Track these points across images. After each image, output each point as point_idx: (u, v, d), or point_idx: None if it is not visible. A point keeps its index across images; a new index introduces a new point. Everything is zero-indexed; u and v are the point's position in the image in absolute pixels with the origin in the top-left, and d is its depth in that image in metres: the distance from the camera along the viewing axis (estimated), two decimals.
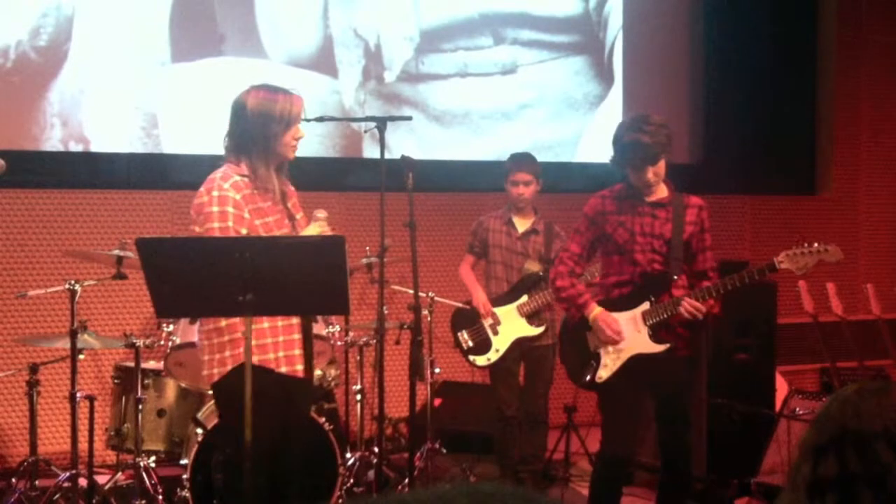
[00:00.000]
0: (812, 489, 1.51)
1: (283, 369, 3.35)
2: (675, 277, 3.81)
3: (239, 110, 3.36)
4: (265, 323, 3.30)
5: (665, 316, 3.79)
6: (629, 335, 3.82)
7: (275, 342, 3.33)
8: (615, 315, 3.83)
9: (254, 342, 3.25)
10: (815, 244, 3.79)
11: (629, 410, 3.88)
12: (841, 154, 7.37)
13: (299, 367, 3.38)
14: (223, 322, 3.28)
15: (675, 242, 3.80)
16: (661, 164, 3.77)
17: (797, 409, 4.64)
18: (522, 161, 4.95)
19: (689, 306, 3.72)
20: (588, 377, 3.85)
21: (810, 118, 7.36)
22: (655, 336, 3.82)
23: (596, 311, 3.83)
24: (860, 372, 5.74)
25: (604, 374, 3.83)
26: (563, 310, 4.11)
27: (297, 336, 3.38)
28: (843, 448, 1.51)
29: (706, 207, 3.92)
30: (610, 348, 3.83)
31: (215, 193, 3.27)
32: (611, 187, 3.91)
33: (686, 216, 3.83)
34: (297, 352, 3.38)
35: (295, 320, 3.38)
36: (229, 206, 3.26)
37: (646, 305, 3.82)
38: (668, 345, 3.81)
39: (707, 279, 3.86)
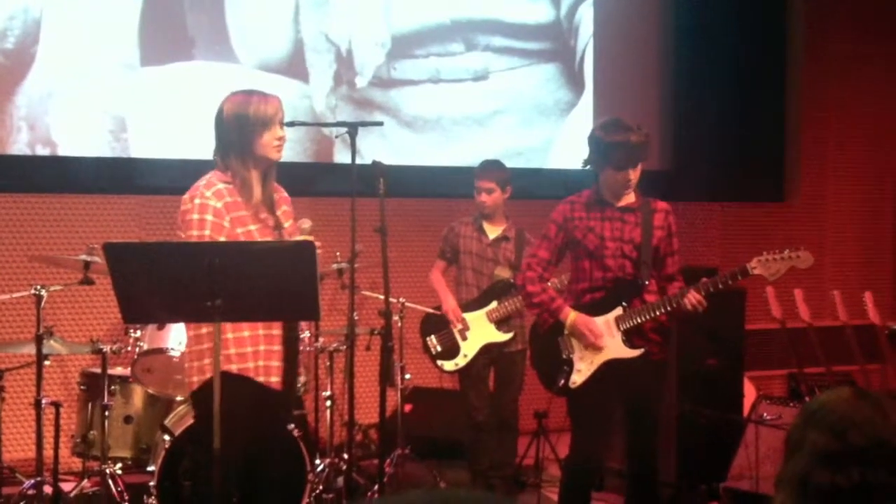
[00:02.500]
0: (826, 498, 1.47)
1: (261, 379, 3.30)
2: (647, 282, 3.82)
3: (218, 116, 3.36)
4: (245, 331, 3.25)
5: (639, 321, 3.80)
6: (604, 340, 3.82)
7: (255, 351, 3.29)
8: (591, 318, 3.83)
9: (234, 350, 3.24)
10: (787, 250, 3.84)
11: (600, 416, 3.89)
12: (809, 162, 7.44)
13: (274, 379, 3.31)
14: (204, 329, 3.24)
15: (645, 247, 3.82)
16: (639, 168, 3.79)
17: (765, 414, 4.68)
18: (485, 168, 4.95)
19: (693, 299, 3.73)
20: (561, 383, 3.85)
21: (779, 126, 7.43)
22: (629, 341, 3.83)
23: (573, 315, 3.83)
24: (827, 377, 5.79)
25: (578, 379, 3.83)
26: (535, 315, 4.09)
27: (276, 347, 3.31)
28: (870, 458, 1.47)
29: (672, 212, 3.95)
30: (584, 354, 3.83)
31: (197, 201, 3.26)
32: (578, 193, 3.92)
33: (654, 220, 3.86)
34: (276, 363, 3.31)
35: (276, 330, 3.31)
36: (208, 215, 3.25)
37: (619, 310, 3.83)
38: (642, 350, 3.83)
39: (676, 282, 3.89)
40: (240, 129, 3.30)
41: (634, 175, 3.78)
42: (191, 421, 4.12)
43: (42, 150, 5.43)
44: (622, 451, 4.14)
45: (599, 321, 3.83)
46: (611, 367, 3.82)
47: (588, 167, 3.89)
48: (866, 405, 1.53)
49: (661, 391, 3.97)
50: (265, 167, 3.37)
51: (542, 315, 3.94)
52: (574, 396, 3.89)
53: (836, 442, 1.50)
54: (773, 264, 3.82)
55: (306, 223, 3.39)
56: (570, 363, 3.85)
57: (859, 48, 7.47)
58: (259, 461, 3.41)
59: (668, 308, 3.79)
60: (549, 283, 4.03)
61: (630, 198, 3.86)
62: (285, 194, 3.53)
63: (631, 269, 3.82)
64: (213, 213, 3.26)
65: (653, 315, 3.79)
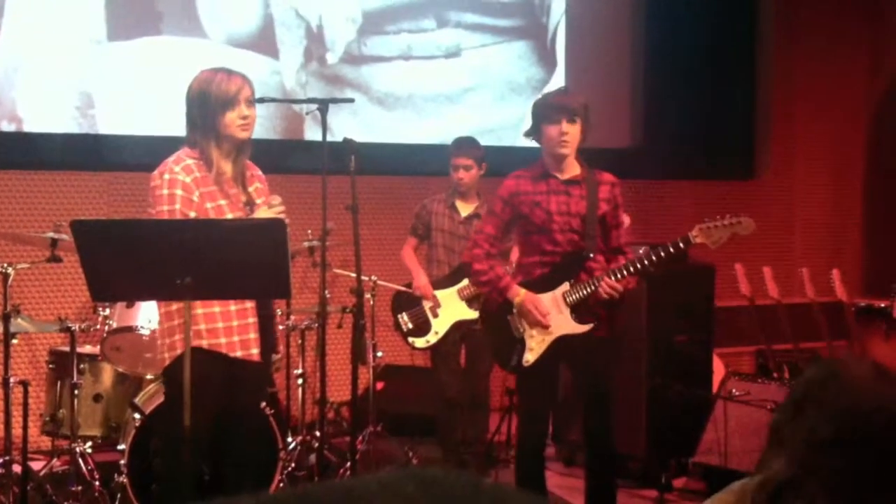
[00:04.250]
0: (846, 480, 1.48)
1: (239, 353, 3.31)
2: (592, 255, 3.80)
3: (186, 94, 3.37)
4: (216, 307, 3.27)
5: (584, 294, 3.77)
6: (553, 317, 3.79)
7: (227, 326, 3.30)
8: (538, 297, 3.82)
9: (204, 326, 3.26)
10: (728, 216, 3.77)
11: (547, 388, 3.91)
12: (778, 140, 7.49)
13: (255, 351, 3.35)
14: (174, 306, 3.25)
15: (590, 219, 3.79)
16: (577, 129, 3.75)
17: (734, 390, 4.73)
18: (463, 145, 4.95)
19: (607, 286, 3.71)
20: (514, 361, 3.83)
21: (749, 104, 7.47)
22: (578, 317, 3.80)
23: (521, 294, 3.80)
24: (795, 354, 5.86)
25: (530, 357, 3.81)
26: (484, 293, 4.06)
27: (252, 320, 3.35)
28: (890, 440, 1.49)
29: (618, 184, 3.92)
30: (535, 331, 3.82)
31: (166, 176, 3.28)
32: (526, 167, 3.90)
33: (599, 193, 3.83)
34: (254, 335, 3.35)
35: (249, 304, 3.34)
36: (178, 189, 3.26)
37: (565, 286, 3.80)
38: (592, 325, 3.80)
39: (622, 254, 3.86)
40: (202, 106, 3.32)
41: (571, 130, 3.72)
42: (161, 399, 4.11)
43: (7, 126, 5.35)
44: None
45: (547, 297, 3.80)
46: (561, 343, 3.81)
47: (530, 137, 3.87)
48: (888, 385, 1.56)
49: (611, 367, 3.93)
50: (235, 145, 3.37)
51: (491, 294, 3.90)
52: (524, 373, 3.86)
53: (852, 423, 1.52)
54: (715, 231, 3.76)
55: (276, 199, 3.38)
56: (522, 341, 3.82)
57: (829, 24, 7.51)
58: (232, 437, 3.41)
59: (587, 292, 3.75)
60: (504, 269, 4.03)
61: (575, 169, 3.83)
62: (259, 172, 3.53)
63: (578, 243, 3.80)
64: (183, 188, 3.27)
65: (590, 291, 3.76)
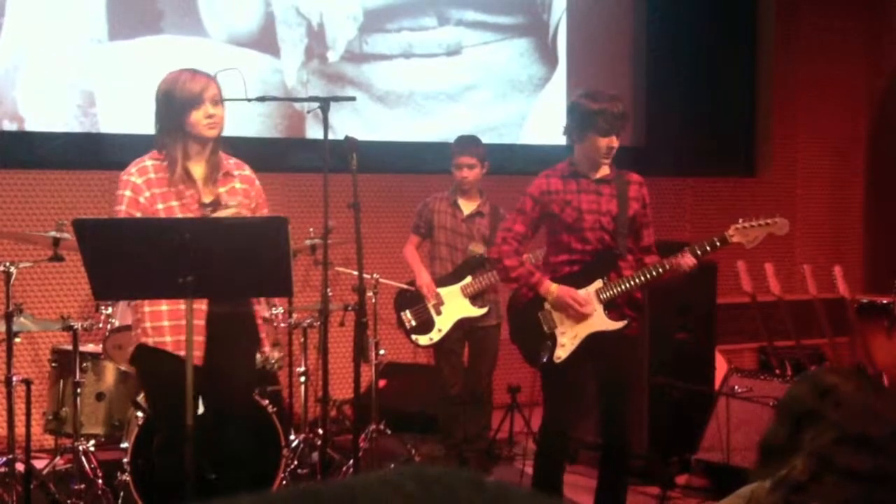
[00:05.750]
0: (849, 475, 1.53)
1: (182, 353, 3.23)
2: (624, 254, 3.83)
3: (154, 96, 3.41)
4: (163, 305, 3.32)
5: (618, 291, 3.79)
6: (590, 308, 3.82)
7: (173, 325, 3.31)
8: (573, 289, 3.82)
9: (149, 324, 3.34)
10: (763, 217, 3.89)
11: (575, 388, 3.91)
12: (779, 137, 7.49)
13: (197, 353, 3.22)
14: (136, 301, 3.36)
15: (622, 219, 3.82)
16: (617, 140, 3.79)
17: (736, 387, 4.73)
18: (466, 144, 4.95)
19: (689, 261, 3.76)
20: (545, 358, 3.80)
21: (750, 101, 7.47)
22: (611, 314, 3.83)
23: (555, 287, 3.80)
24: (797, 351, 5.86)
25: (562, 353, 3.81)
26: (513, 289, 4.05)
27: (199, 322, 3.27)
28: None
29: (645, 183, 3.96)
30: (566, 328, 3.81)
31: (123, 178, 3.39)
32: (553, 167, 3.92)
33: (630, 192, 3.86)
34: (198, 338, 3.27)
35: (200, 305, 3.27)
36: (127, 191, 3.36)
37: (599, 283, 3.82)
38: (625, 321, 3.83)
39: (652, 254, 3.90)
40: (167, 106, 3.35)
41: (612, 145, 3.77)
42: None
43: (9, 126, 5.36)
44: (596, 424, 4.17)
45: (582, 293, 3.82)
46: (592, 339, 3.82)
47: (568, 137, 3.87)
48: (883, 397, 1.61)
49: (635, 365, 3.99)
50: (203, 144, 3.39)
51: (521, 289, 3.90)
52: (553, 370, 3.85)
53: (861, 425, 1.58)
54: (751, 231, 3.86)
55: (233, 200, 3.37)
56: (552, 338, 3.82)
57: (830, 23, 7.51)
58: (210, 432, 3.39)
59: (652, 276, 3.78)
60: (525, 258, 4.03)
61: (605, 170, 3.86)
62: (246, 172, 3.52)
63: (609, 241, 3.82)
64: (132, 189, 3.35)
65: (634, 284, 3.79)
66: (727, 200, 7.21)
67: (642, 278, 3.79)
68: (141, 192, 3.33)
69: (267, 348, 3.69)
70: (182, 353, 3.24)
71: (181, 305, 3.25)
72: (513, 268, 3.86)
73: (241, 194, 3.45)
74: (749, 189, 7.38)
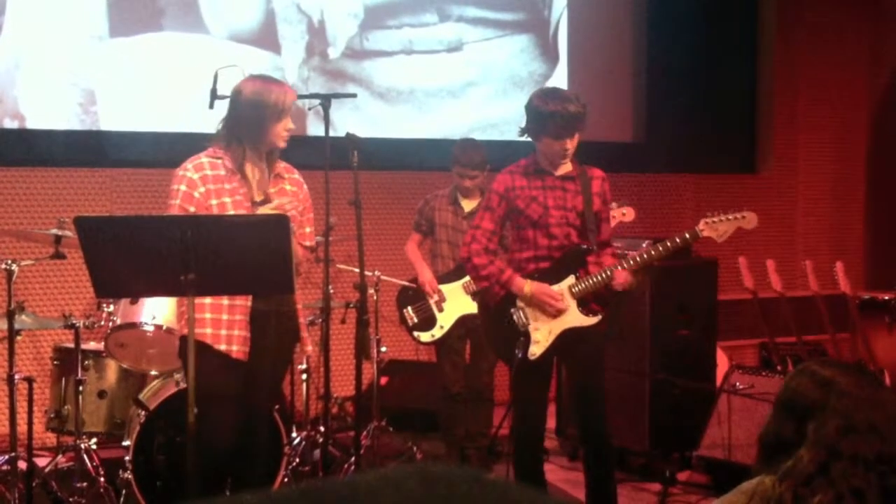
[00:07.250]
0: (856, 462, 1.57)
1: (222, 347, 3.36)
2: (595, 249, 3.84)
3: (235, 97, 3.45)
4: (207, 298, 3.32)
5: (589, 286, 3.79)
6: (565, 303, 3.82)
7: (214, 318, 3.35)
8: (546, 285, 3.81)
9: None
10: (731, 211, 3.90)
11: (547, 385, 3.94)
12: (780, 134, 7.48)
13: (236, 348, 3.38)
14: None
15: (588, 214, 3.83)
16: (576, 138, 3.77)
17: (737, 383, 4.73)
18: (470, 157, 4.85)
19: (622, 279, 3.77)
20: (520, 355, 3.78)
21: (751, 98, 7.46)
22: (584, 309, 3.83)
23: (528, 285, 3.79)
24: (798, 347, 5.86)
25: (536, 350, 3.80)
26: (482, 288, 3.99)
27: (239, 317, 3.38)
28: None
29: (607, 179, 3.96)
30: (540, 324, 3.81)
31: (179, 173, 3.43)
32: (517, 163, 3.90)
33: (592, 188, 3.86)
34: (238, 332, 3.38)
35: (241, 301, 3.38)
36: (183, 185, 3.39)
37: (571, 279, 3.82)
38: (599, 317, 3.83)
39: (609, 248, 3.93)
40: (254, 112, 3.39)
41: (571, 145, 3.75)
42: (166, 395, 4.12)
43: (10, 124, 5.36)
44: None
45: (554, 289, 3.81)
46: (564, 336, 3.82)
47: (525, 136, 3.87)
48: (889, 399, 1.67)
49: (603, 359, 3.95)
50: (269, 151, 3.49)
51: (493, 288, 3.86)
52: (527, 367, 3.81)
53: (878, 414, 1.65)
54: (720, 225, 3.88)
55: (283, 200, 3.47)
56: (526, 335, 3.81)
57: (831, 19, 7.50)
58: (220, 428, 3.41)
59: (594, 285, 3.78)
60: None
61: (567, 166, 3.86)
62: (296, 176, 3.62)
63: (575, 237, 3.83)
64: (187, 184, 3.38)
65: (605, 278, 3.78)
66: (728, 197, 7.20)
67: (606, 274, 3.79)
68: (196, 187, 3.38)
69: (309, 347, 3.70)
70: (221, 346, 3.36)
71: (224, 301, 3.35)
72: (482, 266, 3.84)
73: (289, 195, 3.52)
74: (750, 185, 7.37)
